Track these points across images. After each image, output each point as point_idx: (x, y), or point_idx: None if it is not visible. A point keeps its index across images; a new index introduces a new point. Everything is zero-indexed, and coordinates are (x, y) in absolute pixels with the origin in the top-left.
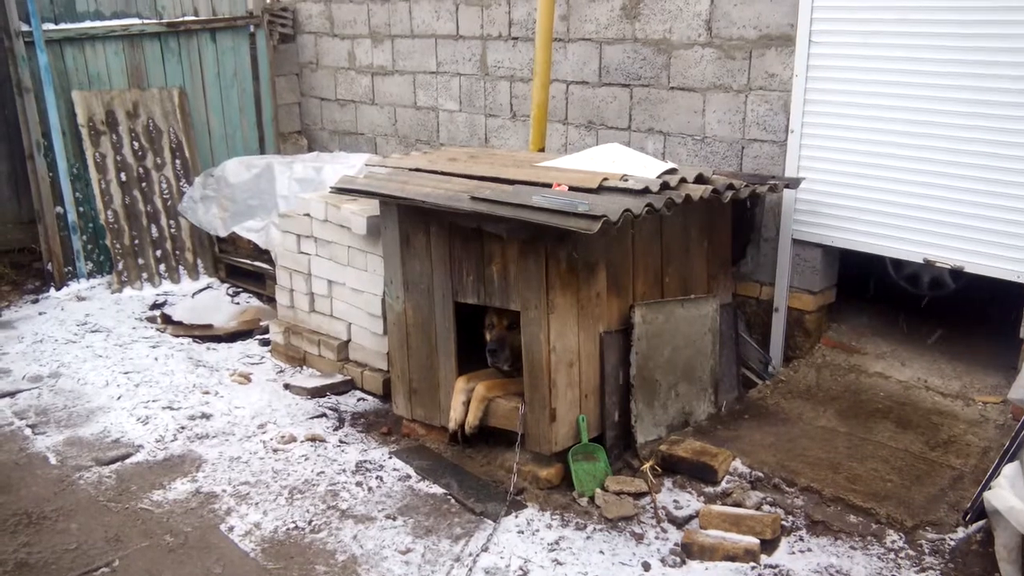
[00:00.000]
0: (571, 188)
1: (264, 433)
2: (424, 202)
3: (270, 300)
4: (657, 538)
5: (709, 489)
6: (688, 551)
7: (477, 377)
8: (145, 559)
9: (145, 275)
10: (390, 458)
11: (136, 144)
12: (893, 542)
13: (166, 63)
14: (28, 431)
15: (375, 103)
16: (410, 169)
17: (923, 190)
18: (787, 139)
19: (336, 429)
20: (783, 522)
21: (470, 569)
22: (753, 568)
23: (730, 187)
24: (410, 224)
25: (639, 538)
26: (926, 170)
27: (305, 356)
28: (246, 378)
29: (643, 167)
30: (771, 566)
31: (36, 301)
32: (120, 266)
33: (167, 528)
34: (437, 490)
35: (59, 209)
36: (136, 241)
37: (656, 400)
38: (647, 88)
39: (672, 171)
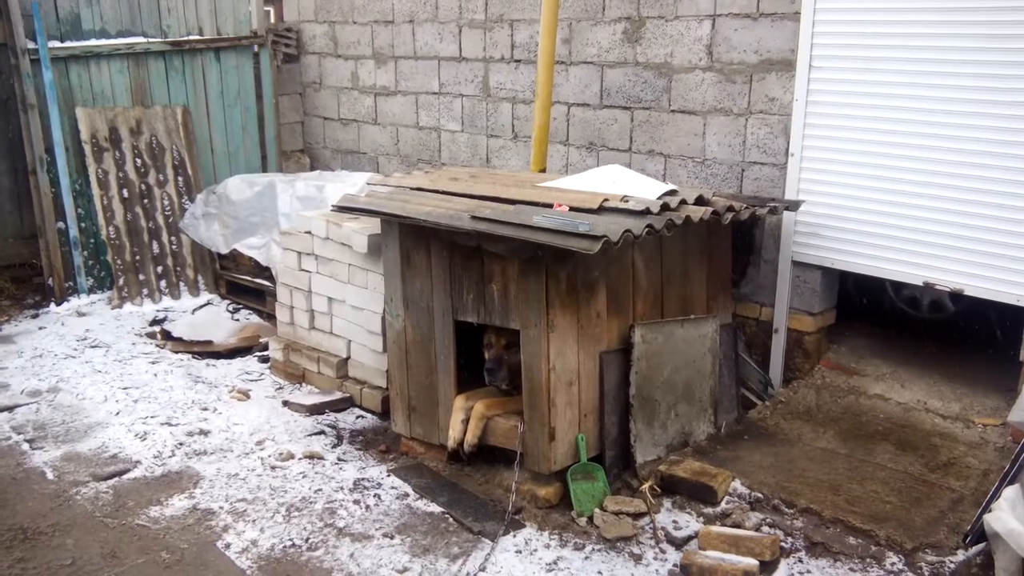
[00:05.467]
0: (572, 208)
1: (262, 450)
2: (425, 221)
3: (270, 317)
4: (656, 559)
5: (708, 510)
6: (687, 572)
7: (476, 395)
8: (142, 575)
9: (146, 291)
10: (388, 476)
11: (139, 161)
12: (893, 564)
13: (170, 81)
14: (26, 446)
15: (377, 123)
16: (411, 188)
17: (923, 213)
18: (787, 162)
19: (334, 446)
20: (782, 544)
21: None
22: None
23: (730, 209)
24: (411, 243)
25: (638, 559)
26: (926, 193)
27: (304, 373)
28: (245, 395)
29: (644, 188)
30: None
31: (36, 316)
32: (121, 282)
33: (164, 544)
34: (435, 508)
35: (60, 224)
36: (137, 257)
37: (656, 420)
38: (648, 111)
39: (672, 192)
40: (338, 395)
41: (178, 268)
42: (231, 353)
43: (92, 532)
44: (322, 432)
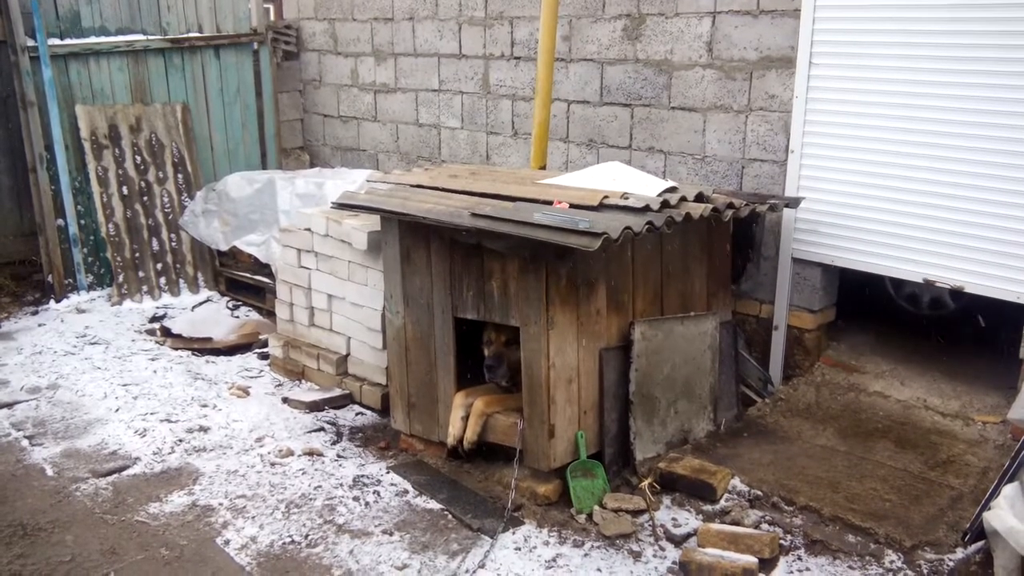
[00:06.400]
0: (572, 205)
1: (262, 447)
2: (425, 218)
3: (270, 314)
4: (655, 556)
5: (708, 507)
6: (686, 570)
7: (476, 392)
8: (141, 572)
9: (145, 288)
10: (388, 473)
11: (138, 158)
12: (892, 562)
13: (170, 78)
14: (25, 442)
15: (377, 120)
16: (411, 185)
17: (923, 210)
18: (787, 159)
19: (334, 443)
20: (781, 541)
21: None
22: None
23: (730, 206)
24: (411, 240)
25: (637, 556)
26: (926, 190)
27: (304, 370)
28: (244, 391)
29: (644, 185)
30: None
31: (36, 313)
32: (120, 279)
33: (163, 541)
34: (434, 505)
35: (60, 221)
36: (137, 254)
37: (655, 417)
38: (648, 108)
39: (672, 189)
40: (338, 392)
41: (178, 265)
42: (231, 350)
43: (92, 528)
44: (322, 429)
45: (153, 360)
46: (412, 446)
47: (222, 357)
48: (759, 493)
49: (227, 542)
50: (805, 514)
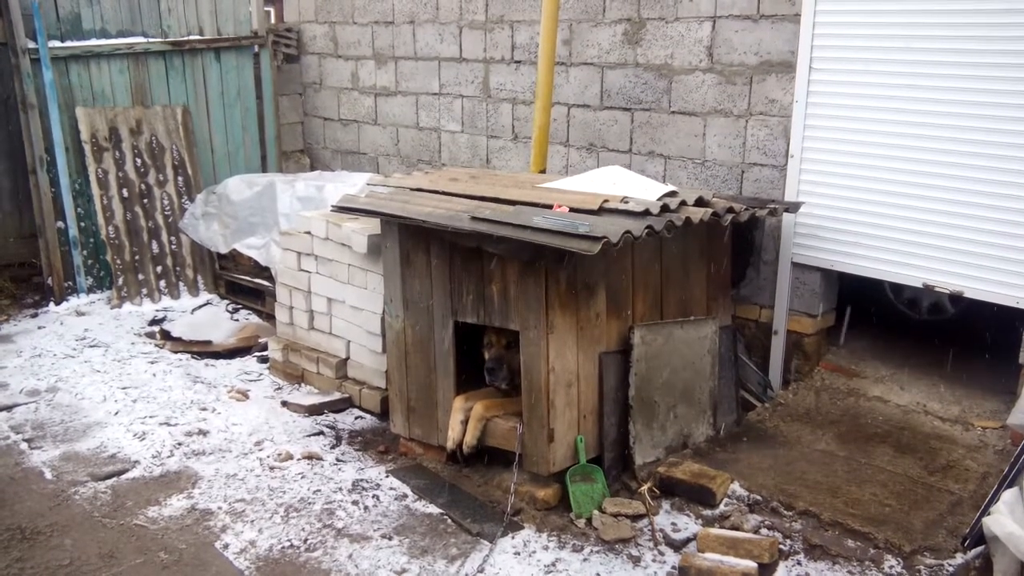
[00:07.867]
0: (572, 209)
1: (261, 450)
2: (425, 222)
3: (269, 317)
4: (654, 561)
5: (707, 512)
6: (685, 574)
7: (475, 396)
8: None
9: (145, 291)
10: (387, 477)
11: (139, 161)
12: (891, 567)
13: (170, 81)
14: (24, 445)
15: (378, 123)
16: (411, 189)
17: (923, 215)
18: (787, 163)
19: (333, 447)
20: (781, 546)
21: None
22: None
23: (730, 210)
24: (411, 243)
25: (636, 561)
26: (926, 195)
27: (303, 373)
28: (244, 395)
29: (644, 189)
30: None
31: (35, 315)
32: (120, 281)
33: (162, 545)
34: (434, 510)
35: (60, 224)
36: (137, 257)
37: (655, 421)
38: (648, 112)
39: (672, 194)
40: (337, 396)
41: (177, 268)
42: (230, 353)
43: (90, 532)
44: (321, 433)
45: (152, 363)
46: (411, 450)
47: (221, 360)
48: (759, 498)
49: (226, 546)
50: (805, 519)
